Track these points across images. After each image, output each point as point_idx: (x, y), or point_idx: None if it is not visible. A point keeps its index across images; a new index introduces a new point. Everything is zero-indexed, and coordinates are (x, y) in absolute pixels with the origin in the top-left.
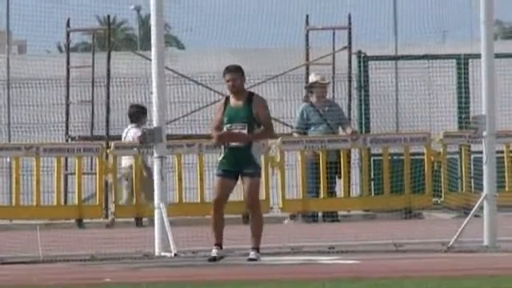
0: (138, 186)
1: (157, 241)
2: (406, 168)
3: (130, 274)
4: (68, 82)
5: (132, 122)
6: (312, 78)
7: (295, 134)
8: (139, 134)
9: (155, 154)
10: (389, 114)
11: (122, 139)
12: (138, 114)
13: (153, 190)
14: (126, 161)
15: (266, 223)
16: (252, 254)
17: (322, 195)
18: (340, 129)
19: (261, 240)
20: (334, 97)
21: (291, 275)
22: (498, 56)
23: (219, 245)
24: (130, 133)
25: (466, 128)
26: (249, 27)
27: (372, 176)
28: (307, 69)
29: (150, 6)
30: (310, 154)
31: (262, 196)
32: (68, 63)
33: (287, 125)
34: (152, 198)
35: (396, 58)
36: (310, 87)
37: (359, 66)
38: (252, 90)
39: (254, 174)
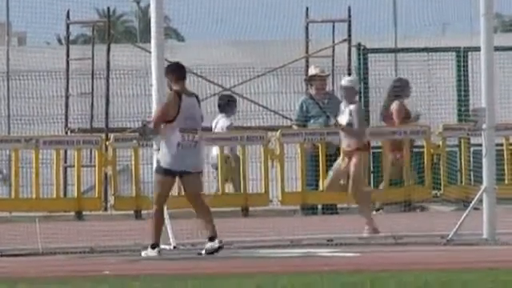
0: (226, 175)
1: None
2: (406, 161)
3: (129, 266)
4: (68, 75)
5: (221, 112)
6: (311, 71)
7: (294, 127)
8: (228, 123)
9: (155, 147)
10: None
11: (212, 129)
12: (227, 103)
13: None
14: (215, 150)
15: (267, 216)
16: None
17: (321, 188)
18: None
19: (154, 235)
20: (333, 89)
21: (290, 268)
22: (497, 49)
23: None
24: (220, 123)
25: (466, 121)
26: (248, 19)
27: (372, 169)
28: (307, 61)
29: None
30: (310, 147)
31: (263, 189)
32: (68, 55)
33: (286, 117)
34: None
35: (396, 50)
36: (310, 80)
37: (359, 59)
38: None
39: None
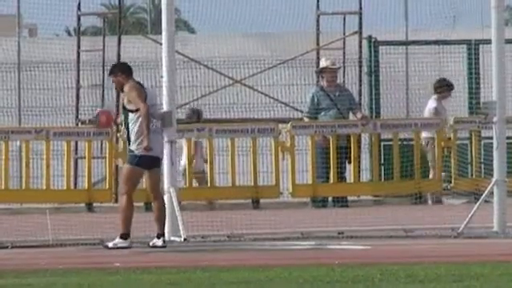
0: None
1: (166, 225)
2: (416, 153)
3: (140, 258)
4: (78, 66)
5: (436, 93)
6: (322, 63)
7: (306, 119)
8: (434, 105)
9: (165, 139)
10: (399, 99)
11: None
12: (440, 86)
13: None
14: (425, 134)
15: (276, 209)
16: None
17: (331, 180)
18: (350, 114)
19: (124, 224)
20: (344, 82)
21: (301, 260)
22: (508, 42)
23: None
24: (428, 103)
25: (477, 113)
26: (259, 11)
27: (382, 161)
28: (318, 53)
29: None
30: (320, 139)
31: (273, 181)
32: (78, 47)
33: (297, 109)
34: None
35: (407, 43)
36: (321, 72)
37: (370, 51)
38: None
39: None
